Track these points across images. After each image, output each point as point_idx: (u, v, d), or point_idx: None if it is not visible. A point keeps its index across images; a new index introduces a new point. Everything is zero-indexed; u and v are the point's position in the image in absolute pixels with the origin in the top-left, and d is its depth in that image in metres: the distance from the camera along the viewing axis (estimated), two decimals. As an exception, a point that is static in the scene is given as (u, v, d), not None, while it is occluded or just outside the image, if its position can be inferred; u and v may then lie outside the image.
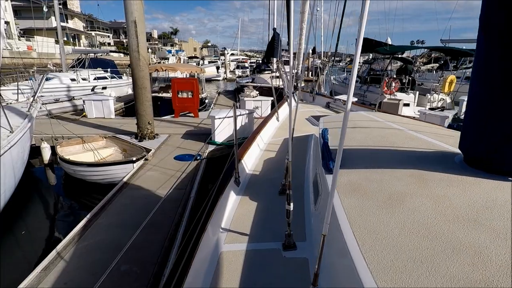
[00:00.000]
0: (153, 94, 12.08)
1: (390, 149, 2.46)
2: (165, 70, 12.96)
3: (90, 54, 15.91)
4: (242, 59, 42.93)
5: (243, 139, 4.58)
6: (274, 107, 6.15)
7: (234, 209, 2.59)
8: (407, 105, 11.12)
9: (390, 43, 15.51)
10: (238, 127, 6.85)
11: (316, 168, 2.58)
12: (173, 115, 9.94)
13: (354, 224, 1.50)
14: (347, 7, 16.82)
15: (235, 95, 14.09)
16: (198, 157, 5.79)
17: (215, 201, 2.41)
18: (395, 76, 12.58)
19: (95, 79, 13.96)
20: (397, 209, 1.54)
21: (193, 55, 52.39)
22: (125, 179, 4.86)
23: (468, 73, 15.44)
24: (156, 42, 57.21)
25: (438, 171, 1.89)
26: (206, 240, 2.05)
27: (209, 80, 27.87)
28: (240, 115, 6.81)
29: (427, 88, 13.01)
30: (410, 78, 12.44)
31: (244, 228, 2.31)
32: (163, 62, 29.64)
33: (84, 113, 9.72)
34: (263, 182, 3.17)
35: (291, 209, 1.94)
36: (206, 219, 2.20)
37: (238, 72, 30.85)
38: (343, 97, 8.44)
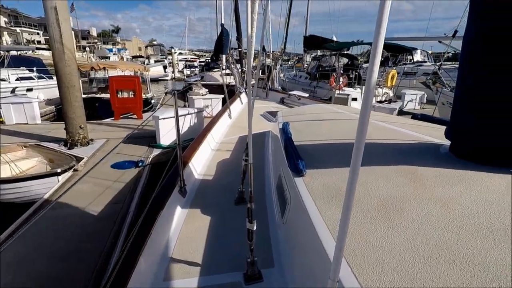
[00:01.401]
0: (90, 95, 10.83)
1: (365, 142, 2.14)
2: (103, 69, 11.68)
3: (12, 52, 13.84)
4: (191, 58, 41.92)
5: (191, 141, 4.02)
6: (225, 105, 5.67)
7: (179, 229, 2.05)
8: (355, 99, 11.42)
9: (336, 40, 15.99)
10: (186, 128, 6.22)
11: (280, 169, 2.15)
12: (114, 118, 8.91)
13: (344, 248, 1.09)
14: (292, 8, 17.00)
15: (184, 94, 13.30)
16: (140, 164, 5.06)
17: (152, 220, 1.85)
18: (342, 72, 12.91)
19: (17, 79, 12.13)
20: (397, 221, 1.17)
21: (138, 54, 49.58)
22: (46, 196, 3.98)
23: (406, 68, 16.56)
24: (95, 41, 52.99)
25: (429, 166, 1.58)
26: (136, 277, 1.50)
27: (156, 80, 26.42)
28: (188, 114, 6.21)
29: (372, 83, 13.61)
30: (357, 73, 12.86)
31: (192, 255, 1.79)
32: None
33: (0, 119, 8.23)
34: (216, 190, 2.66)
35: (254, 228, 1.48)
36: (139, 246, 1.64)
37: (187, 71, 29.75)
38: (298, 92, 8.26)
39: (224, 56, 12.99)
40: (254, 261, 1.51)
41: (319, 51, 16.75)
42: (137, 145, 6.23)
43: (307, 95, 8.52)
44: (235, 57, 9.15)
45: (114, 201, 3.82)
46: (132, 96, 8.90)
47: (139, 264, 1.53)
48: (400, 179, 1.48)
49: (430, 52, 20.18)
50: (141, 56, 42.79)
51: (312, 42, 15.92)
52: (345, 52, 14.75)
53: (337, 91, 11.42)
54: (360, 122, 0.60)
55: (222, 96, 8.54)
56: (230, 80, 10.36)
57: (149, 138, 6.47)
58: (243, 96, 7.12)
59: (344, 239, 0.69)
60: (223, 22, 14.39)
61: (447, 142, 1.87)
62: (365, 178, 1.54)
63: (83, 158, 5.23)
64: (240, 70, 8.23)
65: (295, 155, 1.87)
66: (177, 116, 2.34)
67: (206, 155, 3.44)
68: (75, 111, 6.02)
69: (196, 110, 6.46)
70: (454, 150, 1.75)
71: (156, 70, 28.10)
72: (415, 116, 3.12)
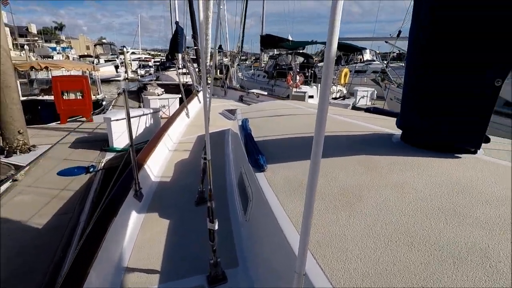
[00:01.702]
0: (31, 98, 9.85)
1: (326, 134, 2.17)
2: (46, 68, 10.69)
3: None
4: (145, 58, 40.25)
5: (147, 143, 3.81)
6: (182, 103, 5.49)
7: (135, 236, 1.91)
8: (311, 97, 11.79)
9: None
10: (142, 129, 5.91)
11: (241, 166, 2.10)
12: (60, 121, 8.20)
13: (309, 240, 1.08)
14: (248, 8, 17.07)
15: (139, 95, 12.69)
16: (92, 169, 4.70)
17: (103, 228, 1.69)
18: (299, 70, 13.24)
19: None
20: (357, 209, 1.18)
21: (86, 53, 46.33)
22: (-21, 211, 3.52)
23: (357, 67, 17.50)
24: (36, 38, 48.51)
25: (383, 155, 1.64)
26: None
27: (108, 81, 24.94)
28: (143, 114, 5.91)
29: (327, 81, 14.19)
30: (312, 72, 13.27)
31: (150, 262, 1.67)
32: (46, 61, 25.03)
33: None
34: (174, 191, 2.54)
35: (216, 228, 1.41)
36: (89, 257, 1.49)
37: (141, 71, 28.48)
38: (256, 90, 8.28)
39: (180, 55, 12.65)
40: (217, 262, 1.44)
41: (275, 50, 17.02)
42: (88, 150, 5.79)
43: (265, 93, 8.59)
44: (191, 56, 8.92)
45: (62, 211, 3.49)
46: (80, 98, 8.27)
47: (90, 277, 1.39)
48: (358, 168, 1.51)
49: (377, 51, 21.54)
50: (89, 56, 39.99)
51: (268, 41, 16.13)
52: (301, 51, 15.17)
53: (294, 89, 11.69)
54: (318, 116, 0.59)
55: (179, 95, 8.29)
56: (187, 79, 10.10)
57: (101, 142, 6.04)
58: (201, 95, 6.96)
59: (308, 232, 0.67)
60: (177, 20, 14.01)
61: (399, 132, 1.98)
62: (325, 169, 1.55)
63: (23, 166, 4.73)
64: (197, 69, 8.04)
65: (256, 150, 1.83)
66: (128, 115, 2.18)
67: (163, 156, 3.28)
68: (12, 114, 5.43)
69: (151, 111, 6.17)
70: (405, 139, 1.86)
71: (107, 70, 26.49)
72: (368, 110, 3.27)
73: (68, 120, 8.27)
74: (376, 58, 19.64)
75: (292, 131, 2.31)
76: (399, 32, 8.88)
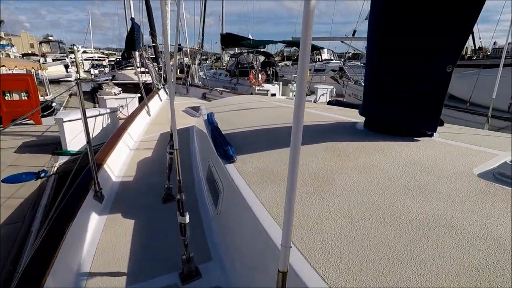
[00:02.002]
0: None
1: (287, 125, 2.19)
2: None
3: None
4: (99, 57, 37.95)
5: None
6: (142, 101, 5.26)
7: (97, 238, 1.79)
8: (273, 95, 11.94)
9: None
10: (98, 130, 5.56)
11: (209, 160, 2.05)
12: (1, 125, 7.43)
13: (279, 218, 1.07)
14: (206, 7, 16.87)
15: (93, 95, 11.93)
16: (43, 174, 4.31)
17: (60, 232, 1.56)
18: (260, 69, 13.36)
19: None
20: (330, 190, 1.21)
21: (30, 52, 42.45)
22: None
23: (316, 66, 18.08)
24: (-32, 35, 43.46)
25: (349, 141, 1.70)
26: None
27: (57, 81, 23.13)
28: (99, 114, 5.56)
29: (288, 79, 14.49)
30: (274, 70, 13.45)
31: (117, 264, 1.57)
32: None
33: None
34: (139, 190, 2.42)
35: (187, 221, 1.36)
36: (45, 264, 1.36)
37: (95, 71, 26.80)
38: (219, 88, 8.20)
39: (137, 53, 12.12)
40: (189, 257, 1.39)
41: (236, 48, 17.00)
42: (37, 154, 5.31)
43: (228, 90, 8.53)
44: (150, 54, 8.58)
45: (10, 221, 3.17)
46: (26, 98, 7.57)
47: (47, 283, 1.27)
48: (327, 154, 1.55)
49: (334, 51, 22.46)
50: (34, 54, 36.67)
51: (229, 39, 16.05)
52: (262, 50, 15.29)
53: (256, 87, 11.76)
54: (295, 111, 0.60)
55: (138, 95, 7.94)
56: (146, 78, 9.71)
57: (52, 145, 5.58)
58: (162, 92, 6.72)
59: (292, 204, 0.66)
60: (133, 17, 13.40)
61: (362, 120, 2.06)
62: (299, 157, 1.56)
63: (-40, 174, 4.21)
64: (156, 66, 7.75)
65: (224, 142, 1.80)
66: (83, 110, 2.02)
67: (124, 155, 3.11)
68: None
69: (108, 110, 5.83)
70: (368, 126, 1.95)
71: (56, 70, 24.57)
72: (330, 102, 3.38)
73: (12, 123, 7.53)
74: (333, 57, 20.48)
75: (258, 123, 2.31)
76: (354, 31, 9.32)
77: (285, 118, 2.41)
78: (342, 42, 18.88)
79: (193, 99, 7.28)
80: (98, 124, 5.52)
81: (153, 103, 5.53)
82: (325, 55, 20.62)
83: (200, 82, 9.94)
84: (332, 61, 19.41)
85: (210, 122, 2.33)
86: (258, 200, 1.23)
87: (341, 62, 12.94)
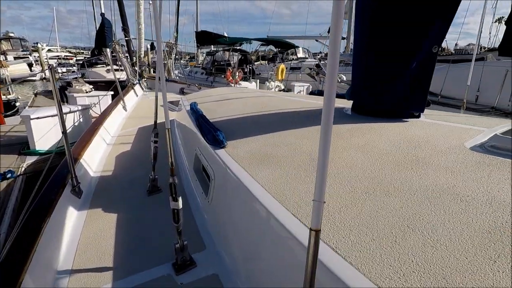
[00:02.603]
0: None
1: (277, 112, 2.16)
2: None
3: None
4: (65, 56, 36.18)
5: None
6: (117, 97, 5.04)
7: (78, 234, 1.66)
8: (252, 92, 11.91)
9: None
10: (69, 128, 5.26)
11: (195, 149, 1.97)
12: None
13: (285, 202, 1.03)
14: (180, 5, 16.56)
15: (61, 94, 11.30)
16: (10, 175, 4.01)
17: (35, 230, 1.43)
18: (237, 67, 13.29)
19: None
20: (330, 169, 1.18)
21: (-12, 50, 39.60)
22: None
23: (292, 64, 18.28)
24: None
25: (340, 123, 1.70)
26: None
27: (20, 81, 21.73)
28: (70, 112, 5.26)
29: (264, 77, 14.53)
30: (251, 68, 13.43)
31: (101, 259, 1.46)
32: None
33: None
34: (121, 185, 2.29)
35: (180, 206, 1.28)
36: (21, 263, 1.24)
37: (63, 69, 25.49)
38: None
39: (108, 50, 11.68)
40: (183, 245, 1.31)
41: (212, 46, 16.80)
42: (2, 155, 4.93)
43: (207, 85, 8.39)
44: (121, 50, 8.25)
45: (-28, 224, 2.90)
46: (-14, 97, 7.03)
47: (26, 283, 1.15)
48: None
49: (308, 50, 22.81)
50: (-8, 52, 34.36)
51: (204, 37, 15.83)
52: (238, 48, 15.20)
53: (234, 85, 11.67)
54: (325, 104, 0.58)
55: (111, 92, 7.61)
56: (119, 75, 9.33)
57: (18, 145, 5.21)
58: (137, 88, 6.48)
59: (326, 163, 0.63)
60: (103, 12, 12.87)
61: (347, 105, 2.08)
62: (288, 139, 1.54)
63: None
64: (130, 62, 7.47)
65: (212, 128, 1.74)
66: (58, 98, 1.88)
67: (101, 150, 2.94)
68: None
69: (80, 107, 5.53)
70: (356, 110, 1.96)
71: (18, 69, 23.07)
72: (312, 93, 3.39)
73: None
74: (309, 55, 20.79)
75: (244, 111, 2.26)
76: (329, 28, 9.49)
77: (270, 105, 2.38)
78: (317, 40, 19.25)
79: (170, 94, 7.07)
80: (69, 121, 5.22)
81: (128, 98, 5.31)
82: (300, 54, 20.89)
83: (177, 77, 9.68)
84: (307, 59, 19.69)
85: (195, 111, 2.25)
86: (256, 181, 1.18)
87: (317, 59, 13.15)
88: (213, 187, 1.56)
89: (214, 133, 1.64)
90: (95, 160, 2.64)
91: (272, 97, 2.87)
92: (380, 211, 0.90)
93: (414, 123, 1.65)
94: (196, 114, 2.19)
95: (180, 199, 1.27)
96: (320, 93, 3.30)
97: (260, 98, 2.79)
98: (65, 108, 5.34)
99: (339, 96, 2.94)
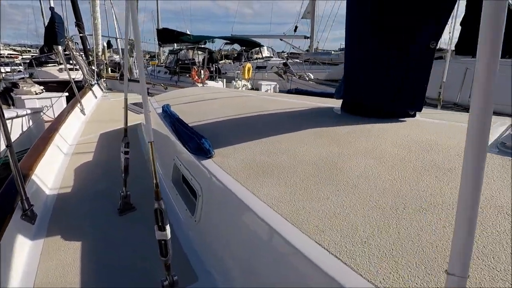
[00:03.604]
0: None
1: (261, 113, 1.97)
2: None
3: None
4: (9, 54, 33.00)
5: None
6: (73, 99, 4.55)
7: (34, 272, 1.35)
8: (219, 92, 11.62)
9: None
10: (17, 135, 4.66)
11: (174, 159, 1.72)
12: None
13: (302, 225, 0.86)
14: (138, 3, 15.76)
15: (5, 96, 10.15)
16: None
17: None
18: (202, 65, 12.92)
19: None
20: (341, 180, 1.04)
21: None
22: None
23: (258, 63, 18.23)
24: None
25: (336, 125, 1.57)
26: None
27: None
28: (17, 116, 4.67)
29: (230, 76, 14.32)
30: (216, 67, 13.12)
31: None
32: None
33: None
34: (84, 201, 1.96)
35: (168, 237, 1.05)
36: None
37: (6, 68, 23.19)
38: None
39: (60, 47, 10.83)
40: (173, 281, 1.08)
41: (176, 44, 16.20)
42: None
43: (174, 85, 7.98)
44: (75, 47, 7.56)
45: None
46: None
47: None
48: (319, 140, 1.39)
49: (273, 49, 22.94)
50: None
51: (166, 35, 15.20)
52: (202, 46, 14.79)
53: (200, 85, 11.30)
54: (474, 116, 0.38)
55: (66, 93, 6.93)
56: (74, 76, 8.57)
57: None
58: (96, 89, 5.94)
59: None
60: (52, 6, 11.84)
61: (333, 105, 1.97)
62: (283, 145, 1.36)
63: None
64: (86, 60, 6.86)
65: (195, 134, 1.51)
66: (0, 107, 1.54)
67: (58, 161, 2.56)
68: None
69: (30, 111, 4.93)
70: (348, 110, 1.84)
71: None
72: (290, 91, 3.26)
73: None
74: (274, 54, 20.89)
75: (225, 114, 2.06)
76: (296, 27, 9.53)
77: (251, 106, 2.19)
78: (281, 40, 19.38)
79: (133, 94, 6.58)
80: (16, 127, 4.63)
81: (87, 101, 4.82)
82: (265, 53, 20.93)
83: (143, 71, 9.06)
84: (272, 59, 19.77)
85: (169, 114, 2.00)
86: (258, 199, 0.99)
87: (284, 58, 13.22)
88: (201, 205, 1.34)
89: (198, 140, 1.42)
90: (51, 174, 2.27)
91: (251, 96, 2.69)
92: (421, 233, 0.76)
93: (414, 123, 1.56)
94: (170, 118, 1.94)
95: (168, 228, 1.04)
96: (298, 91, 3.17)
97: (239, 99, 2.59)
98: (11, 112, 4.73)
99: (325, 95, 2.84)
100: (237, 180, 1.13)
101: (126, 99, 1.84)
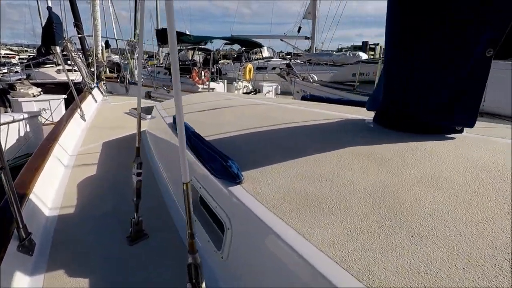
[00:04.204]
0: None
1: (288, 126, 1.78)
2: None
3: None
4: (6, 54, 32.70)
5: (27, 157, 2.74)
6: (72, 103, 4.34)
7: None
8: (219, 93, 11.42)
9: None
10: (13, 141, 4.45)
11: (191, 178, 1.53)
12: None
13: (372, 280, 0.67)
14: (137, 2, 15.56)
15: (2, 98, 9.93)
16: None
17: None
18: (203, 66, 12.75)
19: None
20: (413, 221, 0.85)
21: None
22: None
23: (258, 64, 18.05)
24: None
25: (377, 143, 1.38)
26: None
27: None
28: (14, 121, 4.46)
29: (232, 77, 14.13)
30: (217, 67, 12.93)
31: None
32: None
33: None
34: (89, 225, 1.76)
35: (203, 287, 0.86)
36: None
37: (2, 69, 22.90)
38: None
39: (58, 48, 10.62)
40: None
41: (175, 45, 16.02)
42: None
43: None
44: (74, 49, 7.35)
45: None
46: None
47: None
48: (365, 163, 1.20)
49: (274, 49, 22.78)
50: None
51: (166, 35, 14.99)
52: (202, 46, 14.60)
53: (201, 86, 11.09)
54: None
55: (65, 96, 6.72)
56: (73, 77, 8.35)
57: None
58: (96, 92, 5.72)
59: None
60: (50, 5, 11.61)
61: (361, 116, 1.80)
62: (326, 169, 1.17)
63: None
64: (85, 62, 6.64)
65: (218, 154, 1.32)
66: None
67: (58, 176, 2.36)
68: None
69: (27, 115, 4.72)
70: (382, 123, 1.65)
71: None
72: (305, 97, 3.07)
73: None
74: (274, 55, 20.74)
75: (245, 126, 1.86)
76: (299, 28, 9.37)
77: (275, 118, 1.99)
78: (282, 40, 19.25)
79: (135, 99, 6.36)
80: (13, 133, 4.42)
81: (86, 106, 4.61)
82: (265, 53, 20.77)
83: (142, 80, 8.86)
84: (273, 59, 19.62)
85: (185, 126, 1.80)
86: (308, 243, 0.81)
87: (288, 59, 13.06)
88: (229, 240, 1.15)
89: (224, 162, 1.22)
90: (51, 191, 2.07)
91: (268, 105, 2.49)
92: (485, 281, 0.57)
93: (466, 141, 1.37)
94: (186, 131, 1.74)
95: (202, 277, 0.85)
96: (314, 98, 2.98)
97: (256, 107, 2.40)
98: (7, 117, 4.51)
99: (345, 102, 2.65)
100: (277, 215, 0.94)
101: (139, 114, 1.64)
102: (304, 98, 3.08)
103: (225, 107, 2.41)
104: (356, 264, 0.73)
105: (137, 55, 9.04)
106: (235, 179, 1.16)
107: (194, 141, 1.55)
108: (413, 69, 1.48)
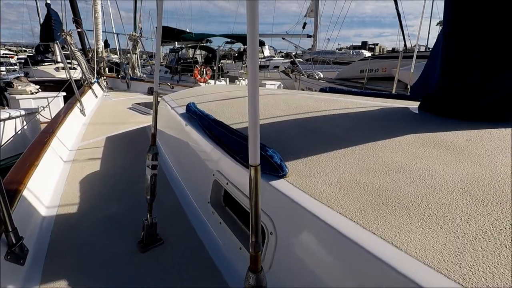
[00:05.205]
0: None
1: (320, 115, 1.56)
2: None
3: None
4: (4, 54, 32.50)
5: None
6: (71, 98, 4.12)
7: None
8: (221, 91, 11.20)
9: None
10: (10, 138, 4.21)
11: (213, 173, 1.29)
12: None
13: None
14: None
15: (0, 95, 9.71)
16: None
17: None
18: (205, 64, 12.55)
19: None
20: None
21: None
22: None
23: (260, 62, 17.84)
24: None
25: (433, 130, 1.18)
26: None
27: None
28: (9, 118, 4.23)
29: (234, 76, 13.95)
30: (219, 65, 12.73)
31: None
32: None
33: None
34: (90, 232, 1.52)
35: None
36: None
37: (1, 68, 22.70)
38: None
39: (56, 45, 10.44)
40: None
41: (176, 43, 15.83)
42: None
43: (182, 85, 7.56)
44: (74, 42, 7.12)
45: None
46: None
47: None
48: (437, 152, 0.99)
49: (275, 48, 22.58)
50: None
51: (167, 33, 14.80)
52: (204, 44, 14.41)
53: (202, 84, 10.87)
54: None
55: (63, 93, 6.47)
56: (73, 74, 8.11)
57: None
58: (96, 87, 5.49)
59: None
60: (49, 2, 11.40)
61: (402, 105, 1.60)
62: (391, 159, 0.95)
63: None
64: (85, 57, 6.41)
65: (261, 145, 1.08)
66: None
67: (56, 172, 2.12)
68: None
69: (24, 112, 4.49)
70: (432, 110, 1.44)
71: None
72: (323, 90, 2.85)
73: None
74: (275, 54, 20.56)
75: (272, 114, 1.63)
76: (305, 24, 9.17)
77: (303, 106, 1.77)
78: (283, 39, 19.09)
79: (137, 94, 6.11)
80: (9, 130, 4.18)
81: (86, 101, 4.37)
82: (267, 52, 20.59)
83: (144, 75, 8.59)
84: (274, 58, 19.44)
85: (200, 115, 1.57)
86: (404, 254, 0.58)
87: (292, 56, 12.89)
88: (273, 247, 0.91)
89: (262, 152, 0.98)
90: (47, 189, 1.83)
91: (289, 94, 2.27)
92: None
93: None
94: (202, 120, 1.51)
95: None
96: (333, 90, 2.76)
97: (277, 97, 2.18)
98: (4, 114, 4.28)
99: (371, 94, 2.44)
100: (347, 216, 0.71)
101: (156, 92, 1.39)
102: (323, 90, 2.86)
103: (243, 97, 2.17)
104: (480, 284, 0.50)
105: (139, 49, 8.83)
106: (278, 172, 0.93)
107: (217, 130, 1.32)
108: (472, 52, 1.29)
